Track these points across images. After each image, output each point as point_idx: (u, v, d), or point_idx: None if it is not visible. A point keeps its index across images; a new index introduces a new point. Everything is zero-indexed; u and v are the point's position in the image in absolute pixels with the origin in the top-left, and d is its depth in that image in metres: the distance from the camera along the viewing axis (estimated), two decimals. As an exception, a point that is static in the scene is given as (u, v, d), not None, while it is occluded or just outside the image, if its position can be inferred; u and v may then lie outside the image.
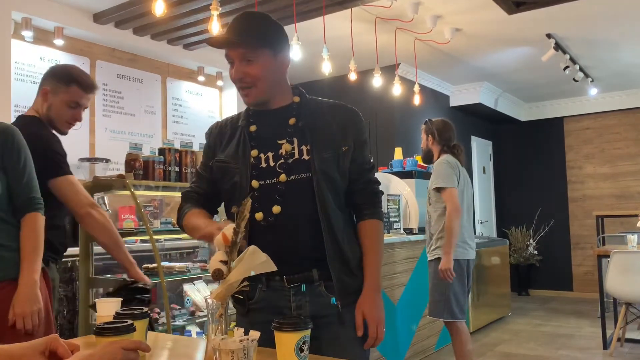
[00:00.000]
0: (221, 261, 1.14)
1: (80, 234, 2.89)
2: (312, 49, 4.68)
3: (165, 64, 5.28)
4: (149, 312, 1.31)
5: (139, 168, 3.09)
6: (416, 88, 5.41)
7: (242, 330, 1.06)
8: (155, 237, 3.14)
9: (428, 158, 3.75)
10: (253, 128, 1.61)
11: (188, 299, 3.50)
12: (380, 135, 6.21)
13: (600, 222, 6.26)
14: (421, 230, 4.74)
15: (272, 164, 1.55)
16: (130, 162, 3.09)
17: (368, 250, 1.60)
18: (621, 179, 7.90)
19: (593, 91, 7.21)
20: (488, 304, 5.97)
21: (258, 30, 1.53)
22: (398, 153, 5.65)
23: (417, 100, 5.40)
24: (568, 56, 5.79)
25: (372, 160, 1.70)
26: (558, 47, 5.46)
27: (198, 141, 4.30)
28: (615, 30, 5.22)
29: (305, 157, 1.54)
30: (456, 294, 3.45)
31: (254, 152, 1.56)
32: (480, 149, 8.20)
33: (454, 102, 7.34)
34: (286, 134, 1.56)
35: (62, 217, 2.35)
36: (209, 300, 1.14)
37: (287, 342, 1.11)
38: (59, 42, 4.29)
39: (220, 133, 1.67)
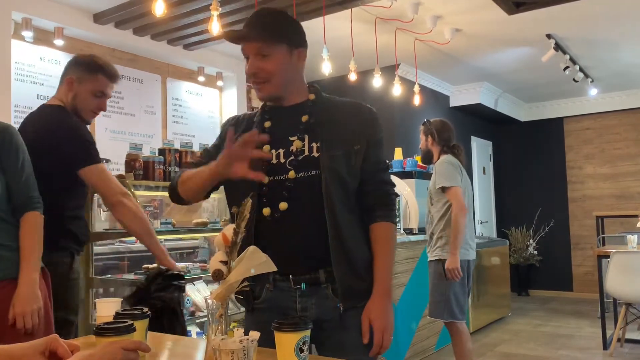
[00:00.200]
0: (221, 261, 1.14)
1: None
2: (312, 49, 4.59)
3: (165, 64, 5.28)
4: (149, 312, 1.31)
5: (139, 168, 3.09)
6: (416, 88, 5.41)
7: (242, 330, 1.06)
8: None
9: (427, 158, 3.75)
10: (267, 124, 1.60)
11: (188, 299, 3.49)
12: (380, 136, 6.19)
13: (600, 223, 6.26)
14: (421, 230, 4.74)
15: (282, 160, 1.53)
16: (130, 162, 3.09)
17: (378, 254, 1.56)
18: (621, 179, 7.90)
19: (593, 91, 7.21)
20: (488, 304, 5.97)
21: (273, 26, 1.53)
22: (398, 153, 5.65)
23: (417, 100, 5.40)
24: (568, 56, 5.79)
25: (387, 161, 1.66)
26: (558, 47, 5.46)
27: (198, 141, 4.31)
28: (615, 30, 5.22)
29: (315, 154, 1.52)
30: (456, 295, 3.45)
31: (266, 148, 1.54)
32: (480, 149, 8.20)
33: (454, 102, 7.34)
34: (298, 130, 1.55)
35: (84, 208, 2.37)
36: (209, 301, 1.14)
37: (287, 343, 1.11)
38: (59, 42, 4.29)
39: (235, 124, 1.66)
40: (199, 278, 3.52)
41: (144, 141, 4.83)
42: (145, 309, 1.30)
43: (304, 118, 1.56)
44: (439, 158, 3.61)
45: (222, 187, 1.68)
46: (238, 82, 5.76)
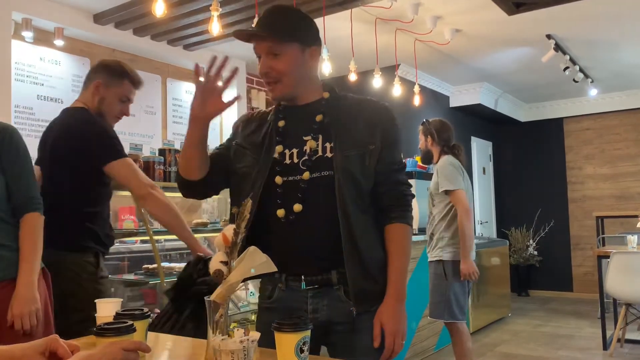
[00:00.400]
0: (221, 262, 1.14)
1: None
2: (312, 50, 4.67)
3: (166, 64, 5.28)
4: (149, 312, 1.31)
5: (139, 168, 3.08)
6: (416, 89, 5.41)
7: (242, 330, 1.06)
8: (155, 237, 3.14)
9: (427, 159, 3.74)
10: (281, 123, 1.57)
11: (188, 300, 3.49)
12: (380, 136, 6.20)
13: (600, 223, 6.26)
14: (421, 230, 4.74)
15: (295, 160, 1.51)
16: (131, 163, 3.08)
17: (392, 257, 1.53)
18: (621, 179, 7.90)
19: (593, 92, 7.21)
20: (488, 304, 5.97)
21: (285, 24, 1.50)
22: (398, 153, 5.64)
23: (417, 100, 5.40)
24: (568, 57, 5.79)
25: (403, 161, 1.63)
26: (558, 47, 5.46)
27: (198, 142, 4.30)
28: (615, 30, 5.22)
29: (329, 154, 1.50)
30: (456, 295, 3.44)
31: (279, 148, 1.52)
32: (480, 150, 8.20)
33: (454, 102, 7.34)
34: (312, 130, 1.52)
35: (107, 209, 2.36)
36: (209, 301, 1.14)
37: (287, 343, 1.11)
38: (59, 42, 4.29)
39: (246, 122, 1.66)
40: (199, 278, 3.51)
41: (144, 141, 4.82)
42: (146, 310, 1.30)
43: (318, 117, 1.53)
44: (439, 158, 3.60)
45: (224, 189, 1.69)
46: (238, 82, 5.76)
